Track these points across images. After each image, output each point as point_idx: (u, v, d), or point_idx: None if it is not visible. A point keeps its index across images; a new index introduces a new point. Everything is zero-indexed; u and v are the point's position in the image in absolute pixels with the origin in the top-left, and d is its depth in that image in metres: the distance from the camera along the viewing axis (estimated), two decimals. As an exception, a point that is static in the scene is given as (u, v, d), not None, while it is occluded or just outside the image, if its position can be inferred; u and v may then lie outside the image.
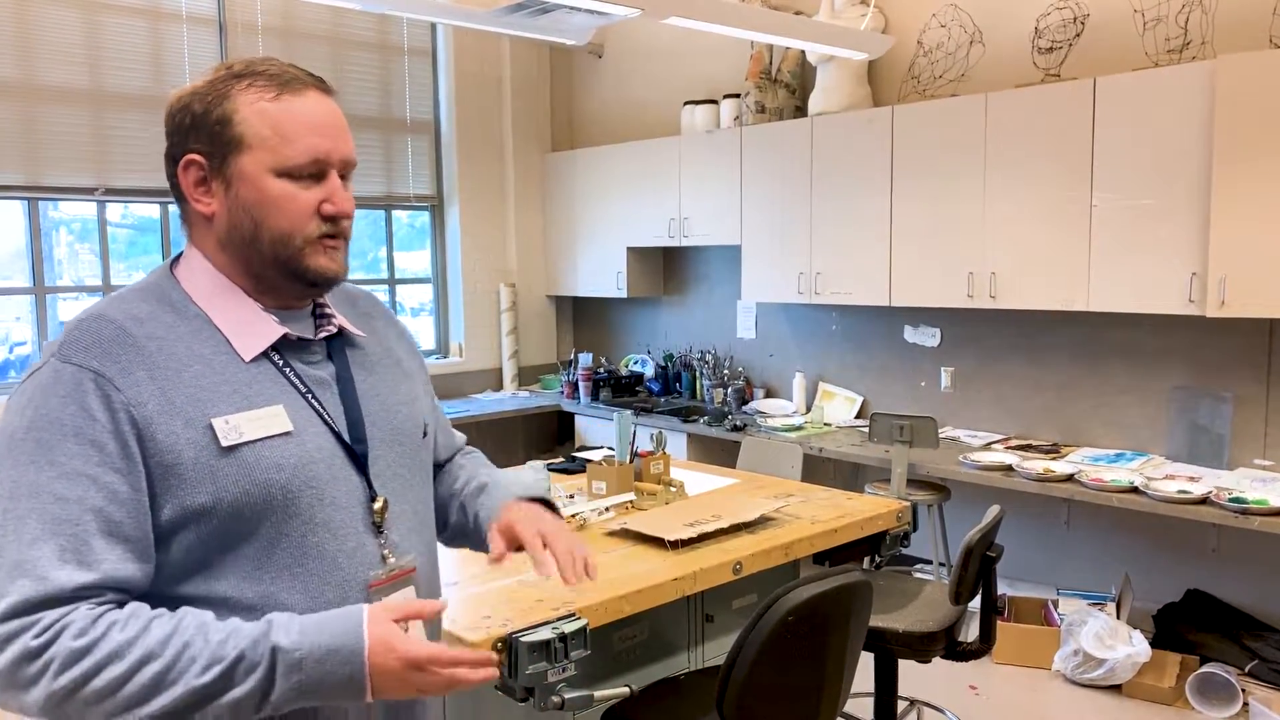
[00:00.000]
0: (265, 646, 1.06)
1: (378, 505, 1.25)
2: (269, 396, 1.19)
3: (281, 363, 1.22)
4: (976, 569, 2.71)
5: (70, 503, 1.05)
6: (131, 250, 5.22)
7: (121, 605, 1.07)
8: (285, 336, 1.23)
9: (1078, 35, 4.27)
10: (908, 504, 2.94)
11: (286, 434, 1.17)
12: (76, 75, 4.80)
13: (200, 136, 1.19)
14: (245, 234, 1.20)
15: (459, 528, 1.56)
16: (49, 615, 1.02)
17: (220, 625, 1.08)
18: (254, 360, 1.20)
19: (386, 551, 1.25)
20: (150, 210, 5.20)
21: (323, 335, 1.28)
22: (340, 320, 1.32)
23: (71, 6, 4.76)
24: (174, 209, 5.11)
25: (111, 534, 1.07)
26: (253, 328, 1.21)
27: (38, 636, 1.01)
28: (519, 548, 1.44)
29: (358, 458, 1.24)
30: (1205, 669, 3.59)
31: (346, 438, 1.24)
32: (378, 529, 1.25)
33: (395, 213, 6.17)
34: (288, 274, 1.22)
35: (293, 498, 1.16)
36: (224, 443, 1.12)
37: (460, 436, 1.68)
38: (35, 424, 1.08)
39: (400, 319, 1.51)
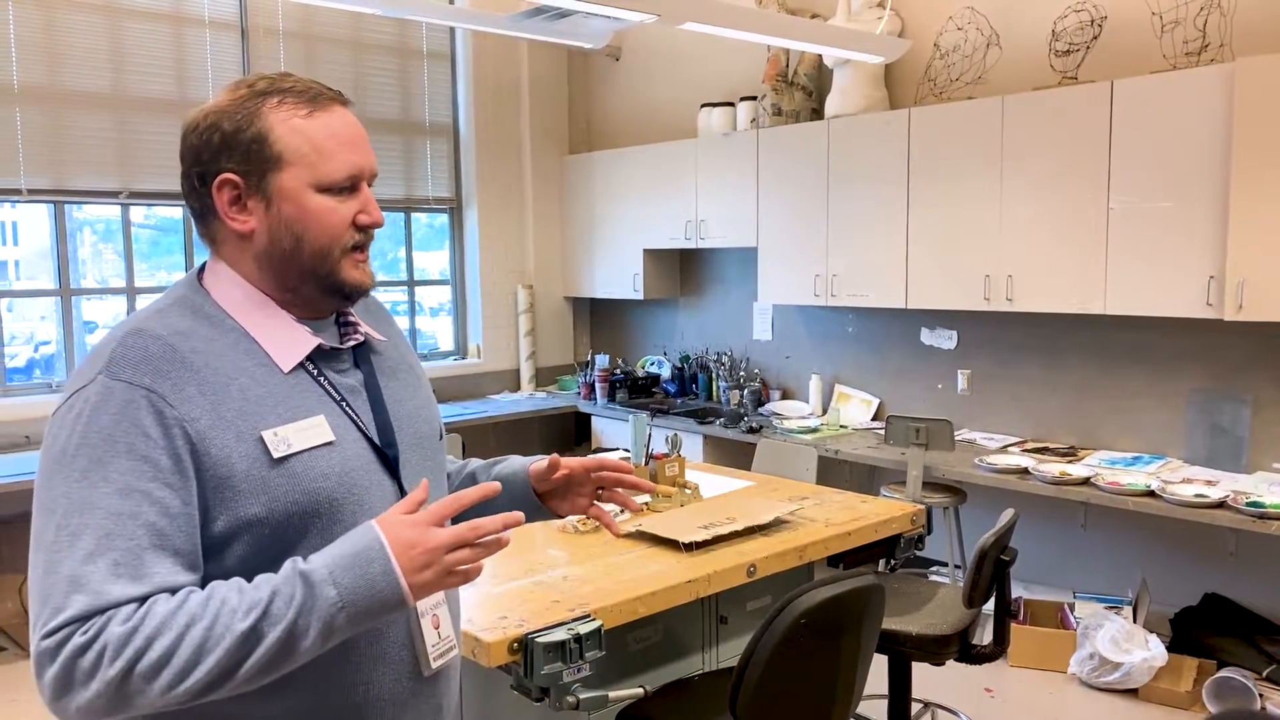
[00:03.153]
0: (294, 575, 1.08)
1: None
2: (310, 408, 1.22)
3: (316, 373, 1.25)
4: (990, 572, 2.72)
5: (124, 518, 1.07)
6: (154, 251, 5.29)
7: None
8: (319, 346, 1.26)
9: (1095, 38, 4.26)
10: (922, 507, 2.96)
11: (329, 444, 1.21)
12: (101, 80, 4.87)
13: (234, 155, 1.19)
14: (285, 249, 1.22)
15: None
16: (99, 618, 1.04)
17: (253, 581, 1.10)
18: (292, 371, 1.23)
19: None
20: (173, 212, 5.26)
21: (350, 344, 1.32)
22: (365, 329, 1.35)
23: (96, 13, 4.83)
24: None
25: (163, 547, 1.09)
26: (289, 339, 1.24)
27: (85, 633, 1.03)
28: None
29: (390, 462, 1.28)
30: (1222, 673, 3.58)
31: (379, 443, 1.28)
32: None
33: (414, 214, 6.22)
34: (324, 287, 1.25)
35: (338, 505, 1.20)
36: (275, 455, 1.16)
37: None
38: (88, 440, 1.09)
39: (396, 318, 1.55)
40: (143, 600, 1.06)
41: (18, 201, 4.73)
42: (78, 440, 1.09)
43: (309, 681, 1.19)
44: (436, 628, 1.31)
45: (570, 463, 1.50)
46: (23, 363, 4.93)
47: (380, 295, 6.85)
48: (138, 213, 5.14)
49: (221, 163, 1.20)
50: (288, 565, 1.10)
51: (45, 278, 4.90)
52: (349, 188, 1.24)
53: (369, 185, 1.28)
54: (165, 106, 5.04)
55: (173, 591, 1.09)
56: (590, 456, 1.51)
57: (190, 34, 5.12)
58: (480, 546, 1.14)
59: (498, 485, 1.23)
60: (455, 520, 1.20)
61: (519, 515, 1.18)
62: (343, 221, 1.23)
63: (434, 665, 1.30)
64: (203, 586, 1.13)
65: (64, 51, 4.75)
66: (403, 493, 1.29)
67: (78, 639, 1.03)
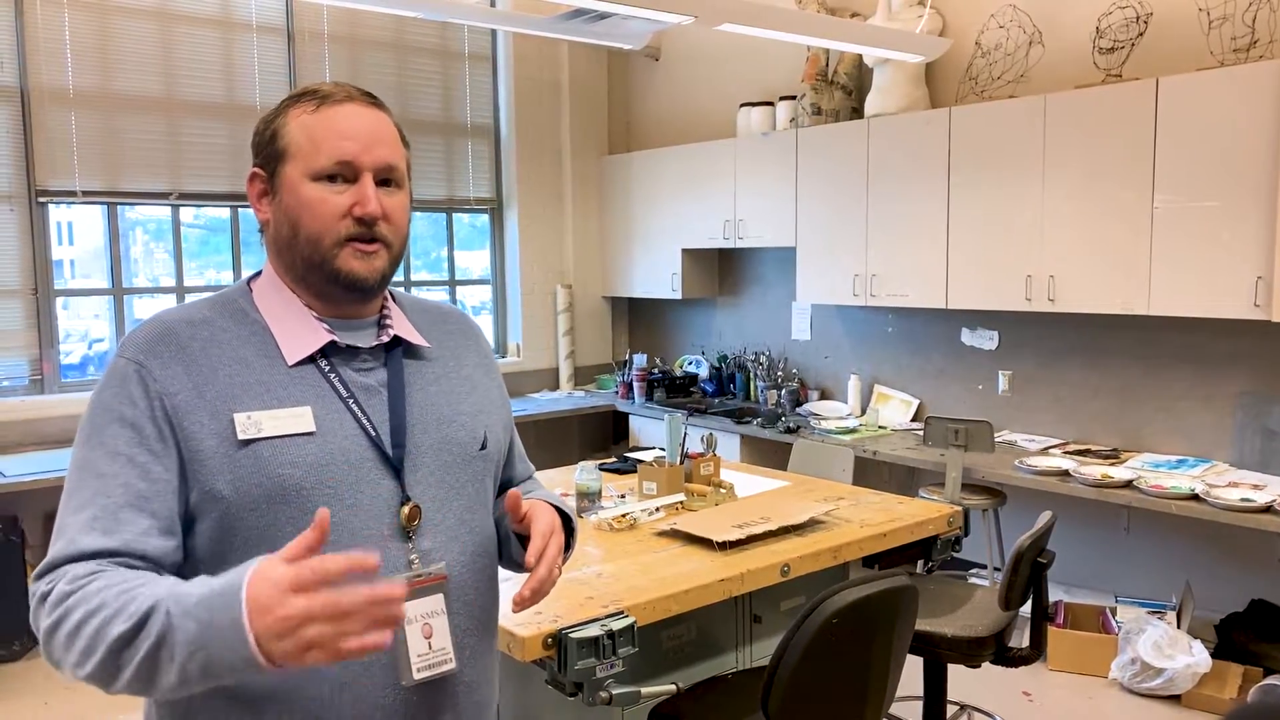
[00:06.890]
0: (173, 591, 1.04)
1: (406, 510, 1.26)
2: (299, 398, 1.24)
3: (328, 368, 1.28)
4: (1027, 574, 2.70)
5: (107, 478, 1.16)
6: (203, 249, 5.41)
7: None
8: (334, 344, 1.29)
9: (1140, 35, 4.20)
10: (958, 508, 2.94)
11: (308, 434, 1.22)
12: (152, 85, 4.99)
13: (260, 153, 1.30)
14: (286, 238, 1.28)
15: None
16: (67, 568, 1.11)
17: (174, 581, 1.07)
18: (298, 365, 1.26)
19: (414, 558, 1.26)
20: (220, 212, 5.37)
21: (374, 344, 1.32)
22: (400, 330, 1.35)
23: (148, 19, 4.95)
24: (244, 211, 5.30)
25: (139, 508, 1.15)
26: (302, 334, 1.28)
27: (50, 582, 1.11)
28: (520, 522, 1.36)
29: (393, 463, 1.27)
30: (1268, 680, 3.52)
31: (385, 443, 1.27)
32: (406, 534, 1.27)
33: (456, 215, 6.29)
34: (324, 277, 1.27)
35: (306, 495, 1.20)
36: (241, 436, 1.19)
37: (530, 467, 1.64)
38: (93, 410, 1.21)
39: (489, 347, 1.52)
40: (112, 555, 1.12)
41: (73, 203, 4.86)
42: (89, 411, 1.22)
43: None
44: (428, 637, 1.25)
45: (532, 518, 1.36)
46: (77, 360, 5.07)
47: (422, 294, 6.90)
48: (187, 213, 5.26)
49: (255, 160, 1.31)
50: (179, 583, 1.06)
51: (99, 276, 5.03)
52: (346, 178, 1.25)
53: (390, 180, 1.28)
54: (214, 110, 5.15)
55: (142, 559, 1.13)
56: (546, 529, 1.35)
57: (238, 39, 5.23)
58: (340, 626, 0.98)
59: (374, 560, 1.00)
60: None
61: (398, 589, 1.02)
62: (334, 211, 1.25)
63: (416, 676, 1.23)
64: (185, 558, 1.19)
65: (116, 57, 4.88)
66: (404, 494, 1.27)
67: (43, 587, 1.11)
